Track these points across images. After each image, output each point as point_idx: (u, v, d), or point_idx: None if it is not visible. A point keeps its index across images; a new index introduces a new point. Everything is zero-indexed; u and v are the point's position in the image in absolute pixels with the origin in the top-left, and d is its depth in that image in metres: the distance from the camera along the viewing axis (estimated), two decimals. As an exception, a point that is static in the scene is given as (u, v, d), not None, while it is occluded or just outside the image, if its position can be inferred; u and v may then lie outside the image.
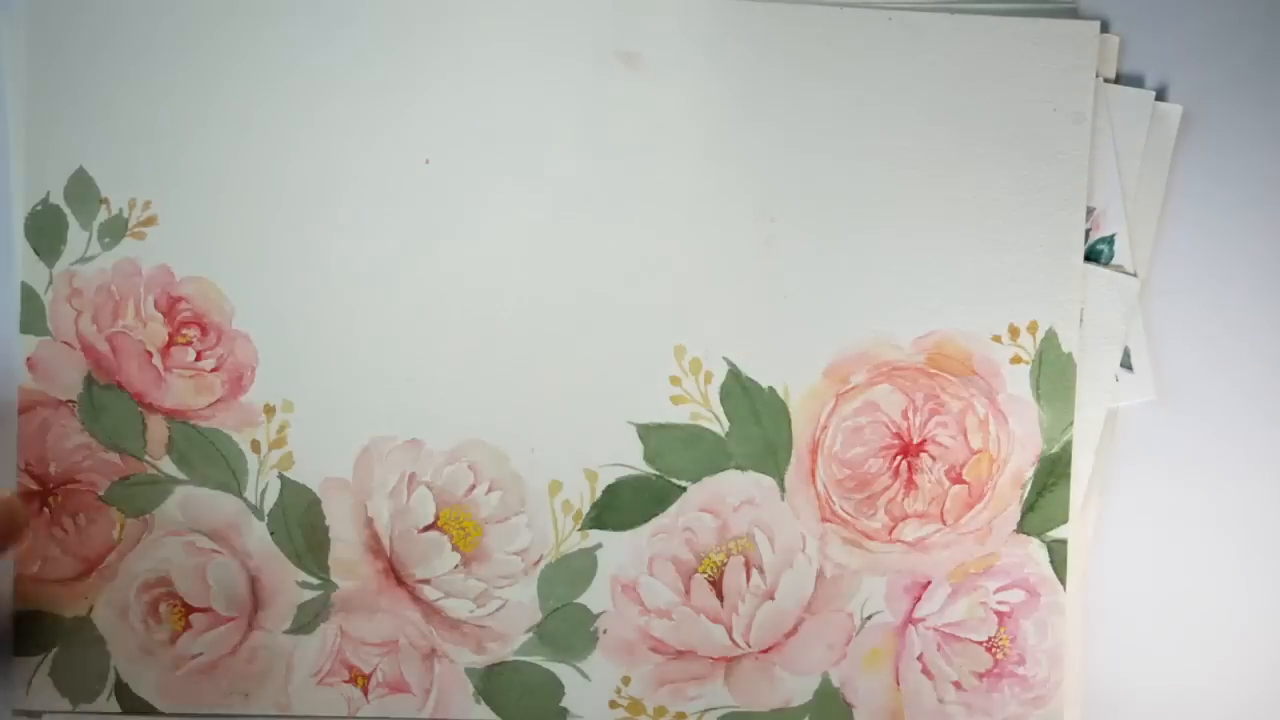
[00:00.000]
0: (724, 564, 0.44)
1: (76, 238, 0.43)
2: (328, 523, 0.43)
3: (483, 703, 0.44)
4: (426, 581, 0.43)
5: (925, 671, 0.44)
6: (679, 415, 0.43)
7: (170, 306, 0.43)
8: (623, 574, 0.44)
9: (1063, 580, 0.44)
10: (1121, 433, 0.45)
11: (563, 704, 0.44)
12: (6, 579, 0.43)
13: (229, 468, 0.43)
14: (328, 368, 0.43)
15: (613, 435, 0.43)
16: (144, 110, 0.42)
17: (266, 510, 0.43)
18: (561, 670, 0.44)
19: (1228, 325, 0.45)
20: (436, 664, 0.44)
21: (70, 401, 0.43)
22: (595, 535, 0.43)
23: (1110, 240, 0.44)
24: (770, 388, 0.43)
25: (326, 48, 0.43)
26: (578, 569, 0.44)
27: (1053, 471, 0.44)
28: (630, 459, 0.43)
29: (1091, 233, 0.44)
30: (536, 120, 0.43)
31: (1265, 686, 0.45)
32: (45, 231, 0.43)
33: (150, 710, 0.43)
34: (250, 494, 0.43)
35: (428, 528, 0.43)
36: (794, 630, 0.44)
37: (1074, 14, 0.44)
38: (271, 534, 0.43)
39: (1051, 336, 0.44)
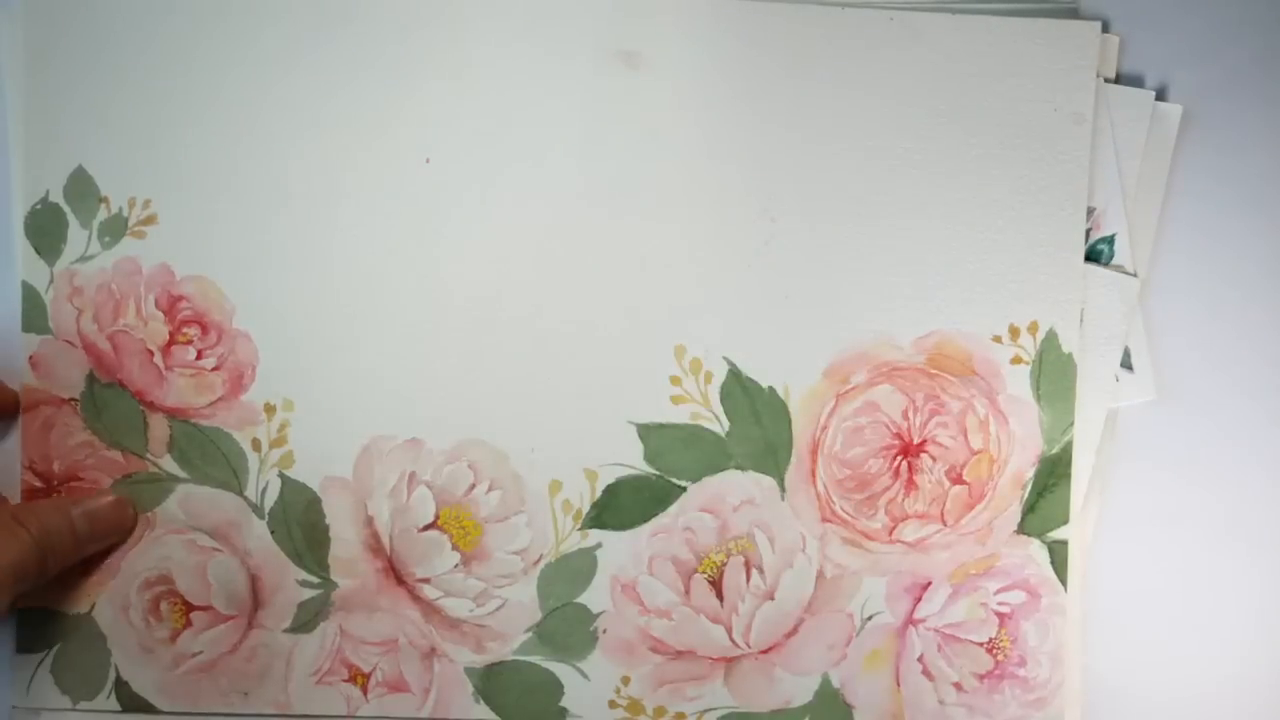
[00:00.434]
0: (724, 564, 0.44)
1: (77, 236, 0.43)
2: (328, 521, 0.43)
3: (482, 702, 0.44)
4: (426, 580, 0.43)
5: (926, 673, 0.44)
6: (679, 415, 0.43)
7: (171, 305, 0.43)
8: (622, 574, 0.43)
9: (1063, 581, 0.44)
10: (1121, 433, 0.45)
11: (562, 703, 0.44)
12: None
13: (230, 466, 0.43)
14: (328, 367, 0.43)
15: (613, 435, 0.43)
16: (144, 110, 0.43)
17: (267, 509, 0.43)
18: (561, 670, 0.44)
19: (1228, 325, 0.45)
20: (436, 663, 0.44)
21: (73, 400, 0.43)
22: (595, 535, 0.43)
23: (1110, 240, 0.44)
24: (770, 388, 0.43)
25: (326, 47, 0.43)
26: (577, 569, 0.43)
27: (1053, 472, 0.44)
28: (630, 459, 0.43)
29: (1092, 233, 0.44)
30: (537, 120, 0.43)
31: (1266, 687, 0.45)
32: (45, 230, 0.43)
33: (150, 709, 0.43)
34: (251, 492, 0.43)
35: (427, 527, 0.43)
36: (794, 630, 0.44)
37: (1074, 14, 0.44)
38: (272, 533, 0.43)
39: (1052, 337, 0.43)
